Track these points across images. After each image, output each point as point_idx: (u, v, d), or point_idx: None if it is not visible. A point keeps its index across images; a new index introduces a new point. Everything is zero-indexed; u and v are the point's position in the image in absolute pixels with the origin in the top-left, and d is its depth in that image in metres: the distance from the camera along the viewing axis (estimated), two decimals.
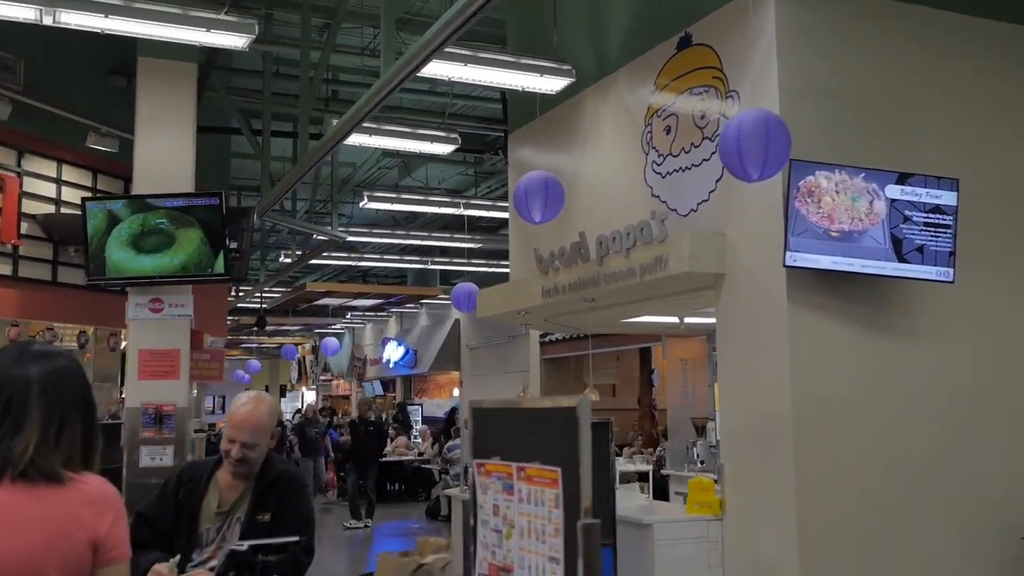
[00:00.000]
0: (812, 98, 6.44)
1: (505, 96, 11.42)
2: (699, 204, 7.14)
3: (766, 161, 5.50)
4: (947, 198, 6.28)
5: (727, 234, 6.79)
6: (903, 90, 6.71)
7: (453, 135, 10.11)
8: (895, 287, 6.42)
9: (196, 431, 14.31)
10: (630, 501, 7.85)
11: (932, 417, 6.45)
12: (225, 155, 12.87)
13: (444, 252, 18.83)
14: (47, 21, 6.53)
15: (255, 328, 22.81)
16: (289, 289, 20.38)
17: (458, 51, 7.58)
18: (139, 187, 7.95)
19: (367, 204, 12.77)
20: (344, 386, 34.79)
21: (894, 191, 6.22)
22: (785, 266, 6.08)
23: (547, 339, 19.31)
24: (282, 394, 39.59)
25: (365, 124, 9.67)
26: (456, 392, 25.32)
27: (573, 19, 9.07)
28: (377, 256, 17.84)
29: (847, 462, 6.20)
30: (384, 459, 15.54)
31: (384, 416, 20.90)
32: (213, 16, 6.77)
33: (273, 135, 11.07)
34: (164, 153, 7.86)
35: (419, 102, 12.64)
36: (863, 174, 6.21)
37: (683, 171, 7.33)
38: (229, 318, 27.84)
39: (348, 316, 28.51)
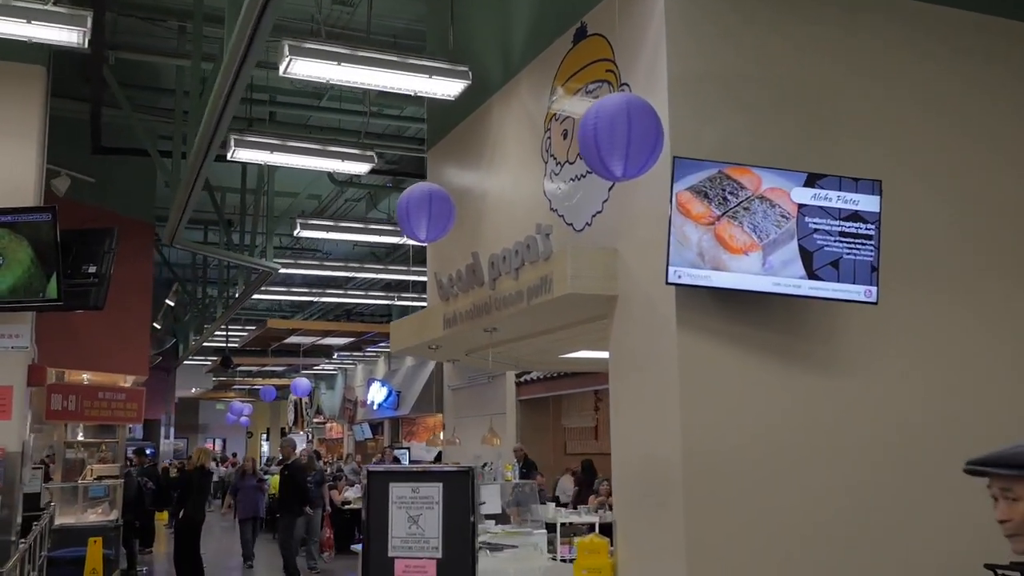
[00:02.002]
0: (707, 88, 5.48)
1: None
2: (593, 217, 6.18)
3: (629, 154, 4.56)
4: (867, 203, 5.27)
5: (619, 250, 5.82)
6: (816, 78, 5.73)
7: (369, 154, 9.23)
8: (808, 309, 5.40)
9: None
10: (528, 563, 6.80)
11: (854, 463, 5.38)
12: (151, 180, 12.13)
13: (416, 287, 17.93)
14: None
15: (225, 368, 21.93)
16: (255, 327, 19.52)
17: (332, 49, 6.74)
18: None
19: (300, 232, 11.94)
20: (337, 429, 33.81)
21: (802, 194, 5.23)
22: (668, 283, 5.09)
23: (523, 379, 18.31)
24: (282, 437, 38.65)
25: (266, 140, 8.87)
26: (442, 435, 24.26)
27: (476, 21, 8.22)
28: (339, 292, 16.98)
29: (748, 521, 5.14)
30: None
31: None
32: (38, 7, 5.96)
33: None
34: (3, 164, 6.96)
35: (349, 122, 11.84)
36: (766, 174, 5.23)
37: (578, 179, 6.38)
38: (199, 359, 27.11)
39: (335, 356, 27.59)
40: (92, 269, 7.33)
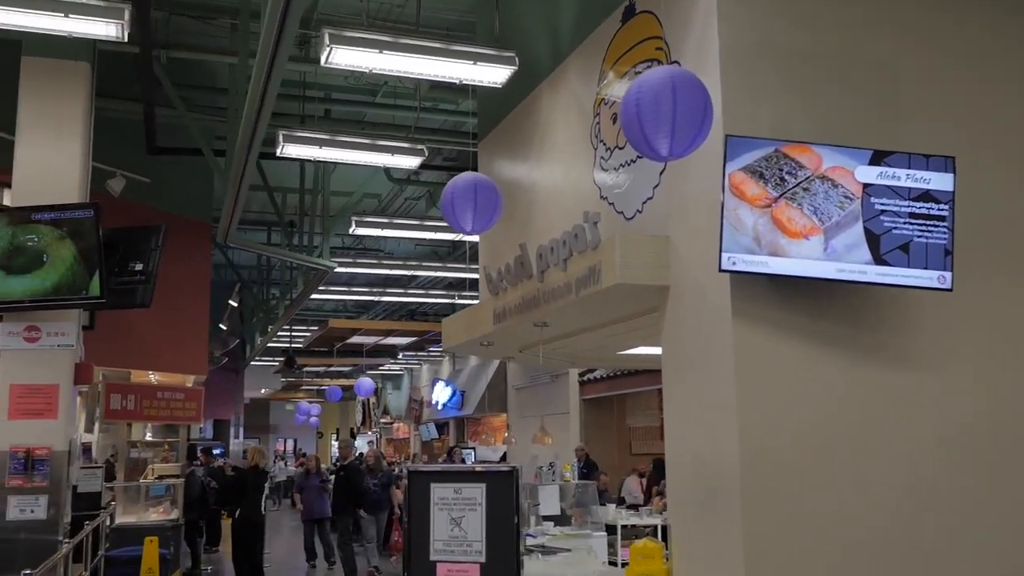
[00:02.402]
0: (761, 62, 5.12)
1: None
2: (644, 203, 5.86)
3: (675, 131, 4.24)
4: (940, 181, 4.86)
5: (671, 237, 5.49)
6: (878, 50, 5.31)
7: (419, 147, 9.06)
8: (875, 297, 5.01)
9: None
10: (580, 568, 6.51)
11: (924, 465, 4.96)
12: (208, 180, 12.15)
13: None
14: None
15: (289, 368, 22.05)
16: (318, 328, 19.56)
17: (373, 37, 6.55)
18: (18, 198, 6.98)
19: (356, 230, 11.84)
20: (404, 429, 33.88)
21: (868, 173, 4.84)
22: (721, 270, 4.75)
23: (586, 378, 17.98)
24: (352, 437, 38.88)
25: (315, 136, 8.75)
26: (507, 435, 24.05)
27: (523, 6, 7.96)
28: (400, 292, 16.88)
29: (809, 526, 4.78)
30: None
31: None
32: (75, 0, 5.89)
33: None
34: (48, 161, 6.95)
35: (404, 118, 11.68)
36: (827, 152, 4.86)
37: (629, 164, 6.07)
38: (267, 360, 27.31)
39: (400, 356, 27.60)
40: (139, 267, 7.27)
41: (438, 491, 5.29)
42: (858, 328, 5.00)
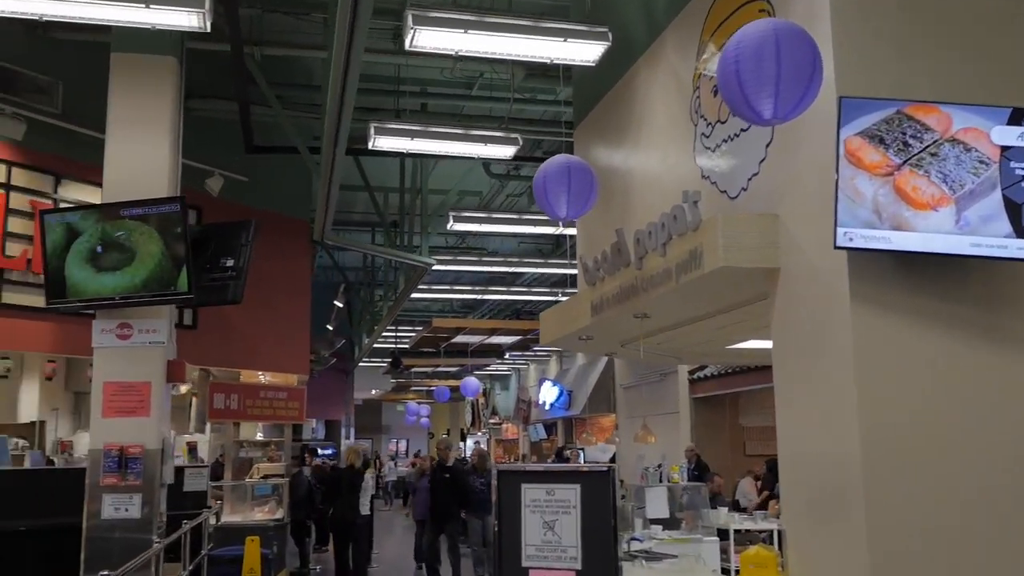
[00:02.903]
0: (878, 16, 4.60)
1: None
2: (749, 180, 5.39)
3: (779, 91, 3.79)
4: None
5: (780, 216, 5.01)
6: None
7: (513, 136, 8.75)
8: (1017, 276, 4.42)
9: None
10: None
11: None
12: (308, 179, 12.14)
13: None
14: None
15: (395, 368, 22.10)
16: (420, 328, 19.50)
17: (457, 16, 6.27)
18: (109, 196, 6.87)
19: (453, 226, 11.62)
20: (512, 430, 33.70)
21: (1006, 134, 4.27)
22: (837, 247, 4.26)
23: (697, 376, 17.36)
24: (462, 438, 38.97)
25: (406, 128, 8.55)
26: (616, 437, 23.55)
27: None
28: (504, 289, 16.62)
29: (944, 531, 4.23)
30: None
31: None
32: None
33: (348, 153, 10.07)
34: (137, 157, 6.90)
35: (501, 110, 11.39)
36: (958, 112, 4.30)
37: (732, 139, 5.60)
38: (375, 360, 27.48)
39: (507, 356, 27.41)
40: (229, 263, 7.19)
41: (529, 492, 4.95)
42: (996, 311, 4.42)
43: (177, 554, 8.06)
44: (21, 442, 9.39)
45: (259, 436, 16.92)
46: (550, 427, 28.84)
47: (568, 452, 22.04)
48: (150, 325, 6.60)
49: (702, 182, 5.92)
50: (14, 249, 8.36)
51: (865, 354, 4.32)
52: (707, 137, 5.93)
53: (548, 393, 25.14)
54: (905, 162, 4.25)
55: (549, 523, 4.86)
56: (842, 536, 4.37)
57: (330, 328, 19.22)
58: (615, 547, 4.70)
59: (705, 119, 5.97)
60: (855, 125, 4.27)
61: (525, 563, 4.89)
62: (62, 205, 8.34)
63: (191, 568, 7.58)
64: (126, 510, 6.32)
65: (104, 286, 6.46)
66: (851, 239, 4.22)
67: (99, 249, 6.46)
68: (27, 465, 8.31)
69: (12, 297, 8.35)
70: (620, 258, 6.32)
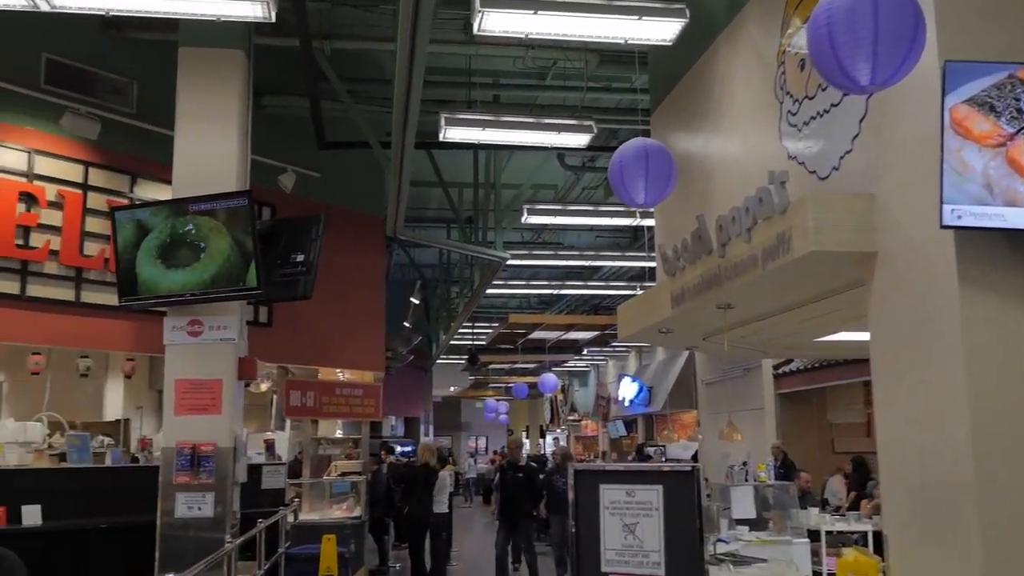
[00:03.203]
0: None
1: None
2: (841, 159, 5.01)
3: (877, 52, 3.45)
4: None
5: (876, 195, 4.63)
6: None
7: (587, 123, 8.47)
8: None
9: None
10: None
11: None
12: (379, 173, 12.04)
13: None
14: (43, 7, 5.75)
15: (472, 365, 21.98)
16: (497, 324, 19.31)
17: None
18: (178, 192, 6.84)
19: (528, 218, 11.38)
20: (592, 426, 33.36)
21: None
22: (943, 226, 3.89)
23: (782, 371, 16.82)
24: (541, 435, 38.76)
25: (477, 117, 8.34)
26: (698, 435, 23.02)
27: None
28: (584, 284, 16.28)
29: None
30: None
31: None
32: None
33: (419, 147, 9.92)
34: (205, 152, 6.81)
35: (574, 99, 11.11)
36: None
37: (821, 116, 5.23)
38: (454, 357, 27.40)
39: (584, 352, 27.08)
40: (300, 258, 7.08)
41: (608, 493, 4.69)
42: None
43: (253, 552, 8.02)
44: (107, 440, 9.49)
45: (338, 433, 16.99)
46: (630, 424, 28.42)
47: (651, 450, 21.55)
48: (221, 322, 6.54)
49: (789, 163, 5.56)
50: (92, 249, 8.43)
51: (975, 342, 3.94)
52: (794, 115, 5.56)
53: (627, 389, 24.76)
54: (1019, 131, 3.85)
55: (630, 526, 4.59)
56: (951, 539, 4.00)
57: (407, 325, 19.20)
58: (701, 552, 4.41)
59: (791, 96, 5.60)
60: (962, 92, 3.89)
61: (605, 568, 4.64)
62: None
63: (267, 567, 7.51)
64: (199, 509, 6.27)
65: (174, 283, 6.41)
66: (959, 217, 3.84)
67: (168, 245, 6.41)
68: (108, 463, 8.36)
69: (91, 296, 8.43)
70: (701, 245, 6.01)
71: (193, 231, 6.40)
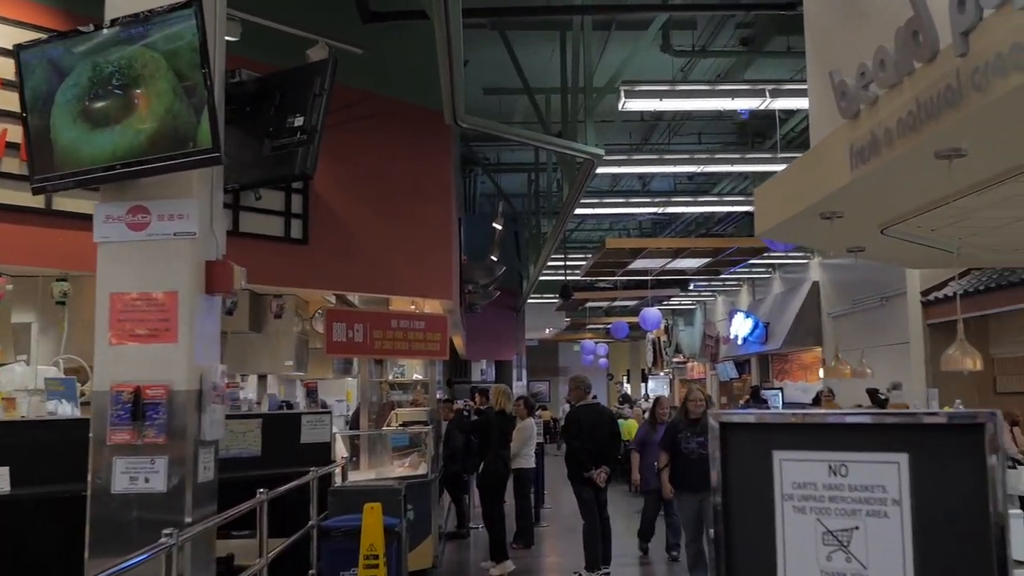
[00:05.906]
0: None
1: None
2: None
3: None
4: None
5: None
6: None
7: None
8: None
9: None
10: None
11: None
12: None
13: None
14: None
15: (565, 300, 19.74)
16: (590, 254, 16.95)
17: None
18: (111, 14, 4.41)
19: (626, 104, 9.00)
20: (698, 369, 30.87)
21: None
22: None
23: (933, 297, 14.17)
24: (643, 379, 36.38)
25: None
26: (821, 373, 20.35)
27: None
28: (688, 200, 13.80)
29: None
30: None
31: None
32: None
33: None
34: None
35: None
36: None
37: None
38: (548, 297, 25.19)
39: (691, 287, 24.54)
40: (298, 121, 4.91)
41: (792, 469, 2.42)
42: None
43: (283, 527, 6.11)
44: None
45: (416, 376, 15.02)
46: (742, 365, 25.83)
47: (823, 394, 17.05)
48: (175, 208, 4.36)
49: None
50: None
51: None
52: None
53: (741, 326, 22.21)
54: None
55: (838, 535, 2.32)
56: None
57: (494, 259, 17.09)
58: None
59: None
60: None
61: None
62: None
63: (290, 543, 5.59)
64: (145, 480, 4.20)
65: (101, 149, 4.26)
66: None
67: (92, 95, 4.27)
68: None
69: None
70: (917, 48, 3.59)
71: (121, 70, 4.26)
